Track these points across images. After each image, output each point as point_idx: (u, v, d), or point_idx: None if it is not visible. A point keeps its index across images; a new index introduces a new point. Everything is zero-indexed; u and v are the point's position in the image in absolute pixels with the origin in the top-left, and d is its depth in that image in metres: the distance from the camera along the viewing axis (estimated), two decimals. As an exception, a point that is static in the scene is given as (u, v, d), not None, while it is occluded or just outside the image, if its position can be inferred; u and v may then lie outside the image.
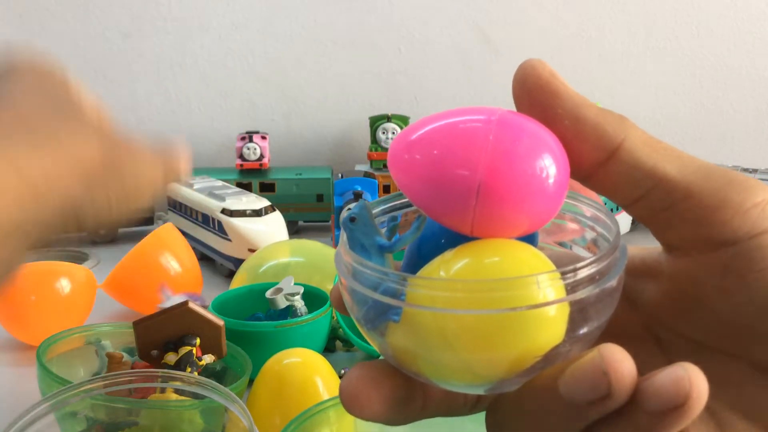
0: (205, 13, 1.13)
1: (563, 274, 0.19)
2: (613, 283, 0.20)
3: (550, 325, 0.19)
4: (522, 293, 0.18)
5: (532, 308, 0.18)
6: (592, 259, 0.19)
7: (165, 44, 1.14)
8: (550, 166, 0.20)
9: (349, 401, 0.21)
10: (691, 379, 0.17)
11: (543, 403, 0.19)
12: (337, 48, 1.16)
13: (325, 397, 0.49)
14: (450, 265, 0.20)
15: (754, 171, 0.95)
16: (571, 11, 1.17)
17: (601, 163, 0.21)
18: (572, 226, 0.24)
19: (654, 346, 0.23)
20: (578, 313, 0.19)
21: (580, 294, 0.19)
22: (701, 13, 1.18)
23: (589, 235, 0.23)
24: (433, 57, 1.17)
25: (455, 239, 0.21)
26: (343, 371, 0.59)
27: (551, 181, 0.20)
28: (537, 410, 0.20)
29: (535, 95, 0.21)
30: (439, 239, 0.22)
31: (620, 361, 0.18)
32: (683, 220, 0.21)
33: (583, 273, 0.19)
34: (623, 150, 0.21)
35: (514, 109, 0.22)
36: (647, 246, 0.24)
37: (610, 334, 0.22)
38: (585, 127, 0.21)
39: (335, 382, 0.52)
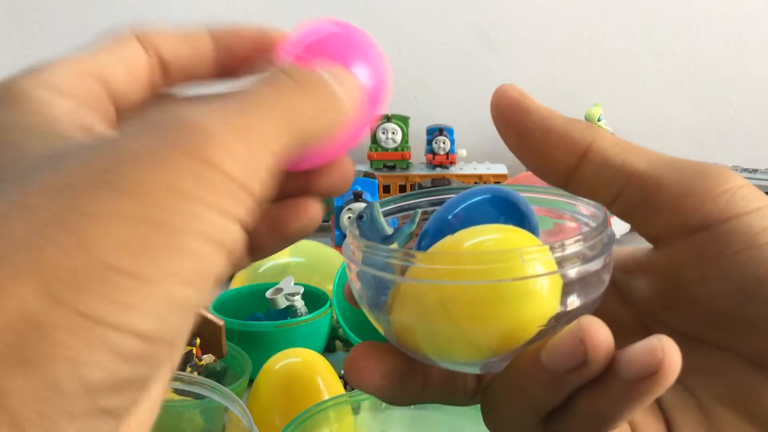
0: (205, 13, 1.13)
1: (551, 249, 0.20)
2: (600, 261, 0.21)
3: (542, 298, 0.20)
4: (509, 265, 0.20)
5: (516, 280, 0.19)
6: (577, 237, 0.21)
7: (165, 44, 1.14)
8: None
9: (352, 372, 0.23)
10: (665, 349, 0.18)
11: (527, 374, 0.20)
12: (337, 48, 1.16)
13: (325, 397, 0.49)
14: (450, 243, 0.21)
15: (754, 171, 0.95)
16: (571, 11, 1.17)
17: (574, 167, 0.22)
18: (571, 224, 0.25)
19: None
20: (568, 288, 0.20)
21: (569, 268, 0.20)
22: (701, 13, 1.18)
23: (585, 230, 0.24)
24: (433, 57, 1.17)
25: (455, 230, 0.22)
26: (343, 371, 0.59)
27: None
28: (522, 381, 0.21)
29: (507, 115, 0.23)
30: (442, 232, 0.23)
31: (597, 330, 0.19)
32: (657, 210, 0.22)
33: (570, 249, 0.20)
34: (592, 151, 0.22)
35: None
36: (640, 245, 0.25)
37: None
38: (553, 136, 0.23)
39: (335, 382, 0.52)
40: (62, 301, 0.13)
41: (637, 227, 0.23)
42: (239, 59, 0.24)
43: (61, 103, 0.19)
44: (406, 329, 0.22)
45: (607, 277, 0.22)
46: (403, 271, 0.21)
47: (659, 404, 0.23)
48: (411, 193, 0.27)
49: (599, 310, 0.24)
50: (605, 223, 0.22)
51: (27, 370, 0.13)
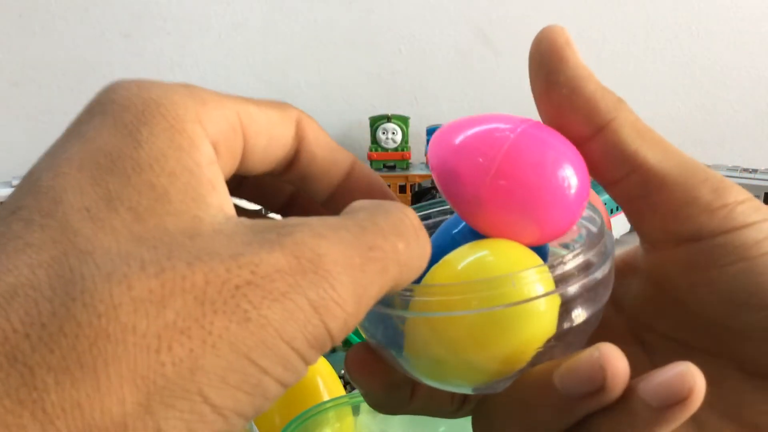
0: (205, 13, 1.13)
1: (551, 267, 0.20)
2: (601, 270, 0.21)
3: (538, 320, 0.20)
4: (499, 292, 0.19)
5: (507, 306, 0.19)
6: (576, 251, 0.20)
7: (165, 44, 1.13)
8: (566, 177, 0.20)
9: (352, 367, 0.23)
10: (694, 376, 0.18)
11: (535, 397, 0.20)
12: (337, 48, 1.16)
13: (326, 397, 0.49)
14: (443, 268, 0.21)
15: (754, 171, 0.95)
16: (571, 12, 1.17)
17: (588, 138, 0.22)
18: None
19: (638, 349, 0.24)
20: (566, 306, 0.20)
21: (567, 286, 0.20)
22: (701, 13, 1.18)
23: (584, 233, 0.24)
24: (433, 57, 1.17)
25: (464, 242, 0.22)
26: (343, 371, 0.59)
27: (566, 192, 0.20)
28: (528, 405, 0.20)
29: (545, 57, 0.22)
30: (450, 245, 0.22)
31: (617, 358, 0.18)
32: (655, 211, 0.22)
33: (569, 265, 0.20)
34: (610, 129, 0.22)
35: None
36: (632, 247, 0.25)
37: (596, 336, 0.23)
38: (579, 99, 0.22)
39: (335, 382, 0.52)
40: (152, 415, 0.14)
41: (631, 219, 0.23)
42: (349, 201, 0.22)
43: (206, 149, 0.17)
44: (412, 357, 0.21)
45: (610, 285, 0.22)
46: (402, 304, 0.20)
47: None
48: (422, 205, 0.26)
49: None
50: (602, 231, 0.22)
51: None
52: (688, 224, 0.21)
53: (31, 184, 0.16)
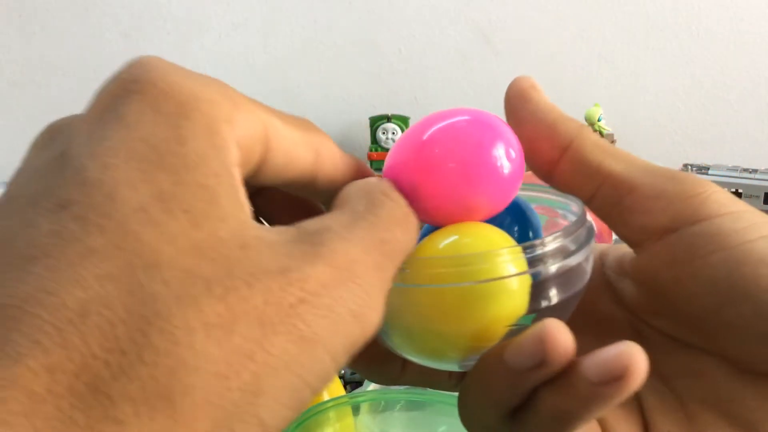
0: (205, 13, 1.13)
1: (524, 249, 0.21)
2: (571, 261, 0.22)
3: (507, 299, 0.21)
4: (470, 269, 0.20)
5: (479, 283, 0.20)
6: (550, 237, 0.21)
7: (165, 44, 1.13)
8: (502, 152, 0.22)
9: None
10: (632, 354, 0.18)
11: (491, 371, 0.21)
12: (337, 48, 1.16)
13: (326, 397, 0.49)
14: (426, 245, 0.22)
15: (754, 171, 0.95)
16: (571, 11, 1.17)
17: (556, 161, 0.24)
18: (563, 222, 0.26)
19: (638, 344, 0.24)
20: (546, 284, 0.21)
21: (536, 268, 0.21)
22: (701, 13, 1.18)
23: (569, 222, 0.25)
24: (433, 57, 1.17)
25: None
26: (343, 371, 0.59)
27: (502, 165, 0.22)
28: (486, 378, 0.21)
29: (512, 102, 0.24)
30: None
31: (557, 331, 0.19)
32: (630, 212, 0.23)
33: (541, 249, 0.21)
34: (572, 149, 0.23)
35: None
36: (623, 246, 0.25)
37: (598, 330, 0.24)
38: (542, 128, 0.24)
39: (335, 382, 0.52)
40: None
41: (615, 229, 0.24)
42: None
43: (235, 152, 0.17)
44: (389, 330, 0.22)
45: (587, 271, 0.23)
46: None
47: (639, 406, 0.23)
48: None
49: (594, 309, 0.25)
50: (582, 220, 0.23)
51: None
52: (662, 215, 0.22)
53: (74, 172, 0.15)
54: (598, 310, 0.25)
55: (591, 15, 1.17)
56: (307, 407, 0.16)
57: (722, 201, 0.21)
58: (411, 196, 0.21)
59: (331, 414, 0.45)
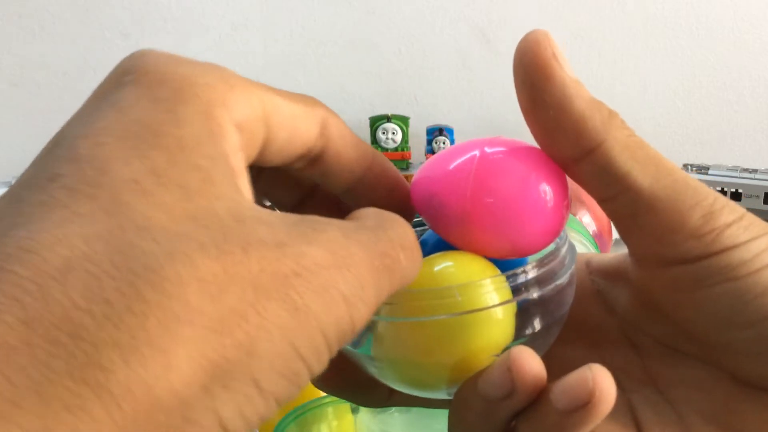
0: (205, 13, 1.13)
1: (507, 278, 0.20)
2: (555, 284, 0.21)
3: (490, 328, 0.20)
4: (446, 302, 0.20)
5: (452, 316, 0.20)
6: (532, 265, 0.21)
7: (165, 44, 1.13)
8: (539, 193, 0.21)
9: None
10: (596, 379, 0.18)
11: (466, 402, 0.21)
12: (337, 48, 1.16)
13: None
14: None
15: (754, 171, 0.95)
16: (571, 11, 1.17)
17: (577, 160, 0.21)
18: None
19: (631, 352, 0.24)
20: (530, 311, 0.21)
21: (517, 298, 0.21)
22: (701, 13, 1.18)
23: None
24: (433, 57, 1.17)
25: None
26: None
27: (541, 206, 0.21)
28: (462, 408, 0.21)
29: (529, 73, 0.21)
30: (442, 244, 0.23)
31: (524, 360, 0.19)
32: (642, 233, 0.21)
33: (523, 277, 0.21)
34: (599, 152, 0.21)
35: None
36: (623, 252, 0.24)
37: (589, 340, 0.23)
38: (567, 122, 0.21)
39: (335, 382, 0.51)
40: (211, 397, 0.13)
41: (621, 235, 0.23)
42: (368, 193, 0.23)
43: (233, 137, 0.17)
44: (375, 362, 0.22)
45: (571, 293, 0.22)
46: None
47: (635, 420, 0.23)
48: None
49: (583, 318, 0.24)
50: (564, 244, 0.22)
51: None
52: (674, 249, 0.21)
53: (66, 150, 0.15)
54: (588, 320, 0.25)
55: (591, 14, 1.17)
56: (304, 385, 0.16)
57: (736, 233, 0.20)
58: (454, 219, 0.21)
59: (330, 410, 0.45)
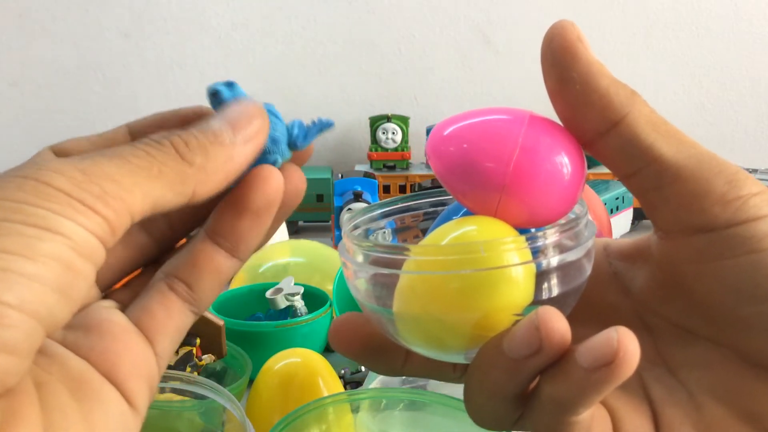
0: (205, 13, 1.13)
1: (527, 240, 0.21)
2: (577, 251, 0.22)
3: (512, 288, 0.20)
4: (471, 257, 0.20)
5: (478, 271, 0.20)
6: (552, 229, 0.21)
7: (165, 44, 1.14)
8: (568, 168, 0.22)
9: (335, 338, 0.25)
10: (621, 340, 0.18)
11: (491, 360, 0.21)
12: (337, 48, 1.16)
13: (324, 394, 0.49)
14: (435, 236, 0.22)
15: (754, 171, 0.95)
16: (571, 11, 1.17)
17: (602, 134, 0.22)
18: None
19: (644, 333, 0.24)
20: (547, 276, 0.21)
21: (539, 259, 0.21)
22: (701, 13, 1.18)
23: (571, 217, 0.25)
24: (433, 57, 1.17)
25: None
26: (343, 371, 0.59)
27: (568, 180, 0.22)
28: (486, 367, 0.21)
29: (557, 54, 0.22)
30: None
31: (552, 319, 0.19)
32: (668, 202, 0.22)
33: (543, 240, 0.21)
34: (624, 124, 0.22)
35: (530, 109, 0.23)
36: (639, 235, 0.25)
37: (603, 321, 0.23)
38: (593, 95, 0.22)
39: (335, 382, 0.52)
40: None
41: (646, 210, 0.23)
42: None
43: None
44: (395, 319, 0.22)
45: (588, 267, 0.23)
46: (391, 263, 0.21)
47: (647, 397, 0.23)
48: (412, 195, 0.27)
49: (599, 299, 0.25)
50: (584, 216, 0.23)
51: None
52: (701, 216, 0.21)
53: None
54: (602, 301, 0.25)
55: (591, 15, 1.17)
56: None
57: (760, 204, 0.21)
58: (491, 185, 0.21)
59: (330, 410, 0.45)
